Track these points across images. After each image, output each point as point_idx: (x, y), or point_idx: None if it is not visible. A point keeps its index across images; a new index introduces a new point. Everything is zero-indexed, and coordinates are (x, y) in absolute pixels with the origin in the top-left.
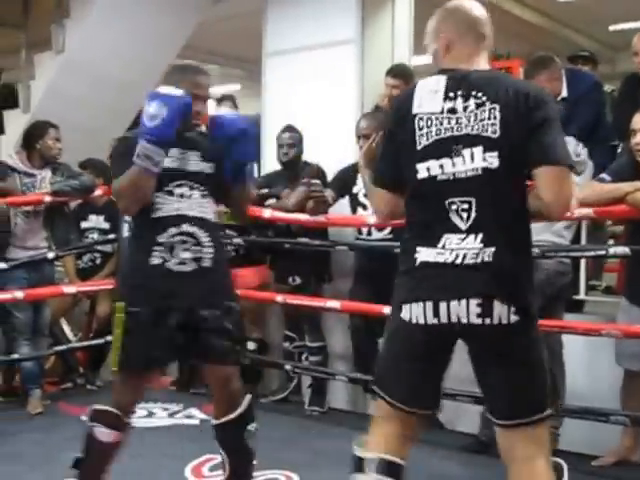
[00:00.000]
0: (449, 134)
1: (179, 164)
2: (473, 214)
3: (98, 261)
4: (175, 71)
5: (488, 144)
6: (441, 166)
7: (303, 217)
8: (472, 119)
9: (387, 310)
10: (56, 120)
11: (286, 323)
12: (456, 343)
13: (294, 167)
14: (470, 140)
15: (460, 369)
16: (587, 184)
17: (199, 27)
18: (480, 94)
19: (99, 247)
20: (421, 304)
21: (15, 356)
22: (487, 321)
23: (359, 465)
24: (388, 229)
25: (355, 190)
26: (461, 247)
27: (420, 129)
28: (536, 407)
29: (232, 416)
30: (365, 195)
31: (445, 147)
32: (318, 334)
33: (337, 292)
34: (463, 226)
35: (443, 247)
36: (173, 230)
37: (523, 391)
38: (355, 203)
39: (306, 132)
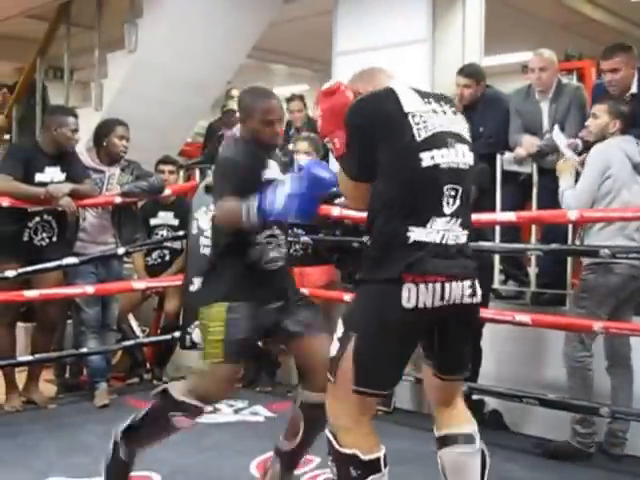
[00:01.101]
0: (442, 129)
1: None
2: (458, 201)
3: (167, 258)
4: (247, 97)
5: (468, 145)
6: (442, 155)
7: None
8: (452, 120)
9: None
10: (127, 118)
11: None
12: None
13: None
14: (458, 137)
15: (527, 372)
16: None
17: (269, 27)
18: (444, 103)
19: (168, 244)
20: (430, 285)
21: (83, 350)
22: (474, 300)
23: (373, 466)
24: None
25: None
26: (446, 229)
27: (417, 124)
28: (467, 367)
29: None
30: None
31: (442, 139)
32: None
33: None
34: (448, 210)
35: (431, 227)
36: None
37: (466, 354)
38: None
39: None
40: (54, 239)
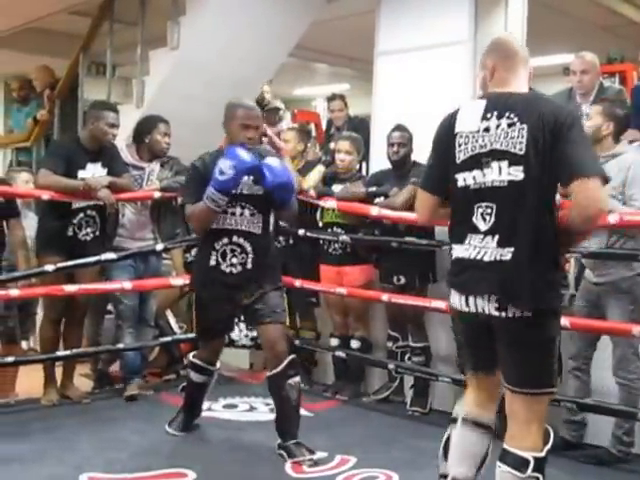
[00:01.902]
0: (482, 150)
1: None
2: (493, 218)
3: None
4: (229, 107)
5: (513, 159)
6: (474, 177)
7: (410, 216)
8: (502, 136)
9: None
10: (168, 115)
11: (390, 323)
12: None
13: (403, 166)
14: (498, 155)
15: (566, 375)
16: None
17: (311, 26)
18: (512, 115)
19: None
20: (457, 295)
21: (120, 346)
22: (503, 314)
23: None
24: None
25: None
26: (482, 245)
27: (459, 145)
28: (536, 383)
29: (275, 371)
30: None
31: (478, 160)
32: (422, 334)
33: (441, 293)
34: (483, 227)
35: (469, 244)
36: (225, 240)
37: (527, 369)
38: None
39: (415, 132)
40: (97, 234)
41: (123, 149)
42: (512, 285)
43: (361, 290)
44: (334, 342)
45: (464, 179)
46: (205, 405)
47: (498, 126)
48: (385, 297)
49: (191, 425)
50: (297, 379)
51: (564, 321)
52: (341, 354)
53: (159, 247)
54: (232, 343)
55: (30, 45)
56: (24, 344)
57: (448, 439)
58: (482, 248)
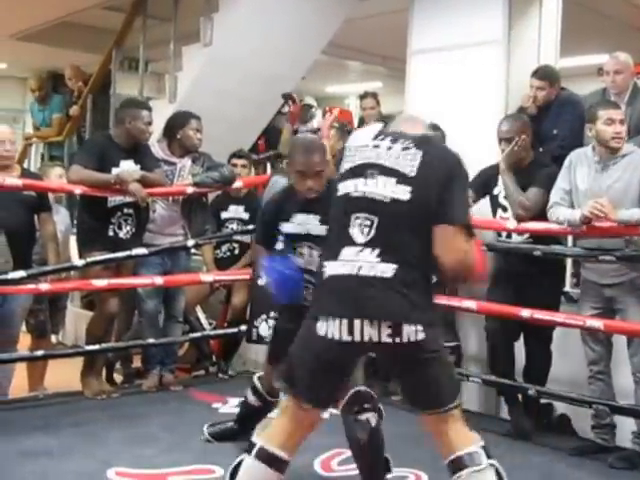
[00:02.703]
0: (369, 161)
1: (301, 229)
2: (373, 232)
3: (236, 251)
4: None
5: (402, 179)
6: (355, 185)
7: None
8: (393, 155)
9: (525, 313)
10: (200, 111)
11: None
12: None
13: None
14: (386, 171)
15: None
16: None
17: (344, 24)
18: (408, 142)
19: (238, 237)
20: (337, 321)
21: (150, 341)
22: (397, 340)
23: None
24: (527, 234)
25: (496, 191)
26: (359, 259)
27: (346, 157)
28: (442, 401)
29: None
30: (505, 197)
31: (362, 171)
32: (453, 334)
33: (473, 293)
34: (361, 239)
35: (343, 259)
36: None
37: (430, 391)
38: (495, 204)
39: (448, 131)
40: (134, 231)
41: (154, 144)
42: (401, 306)
43: None
44: None
45: (345, 187)
46: (234, 402)
47: (390, 148)
48: None
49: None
50: (367, 415)
51: (597, 322)
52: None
53: (190, 243)
54: (261, 340)
55: (63, 40)
56: (53, 338)
57: (238, 466)
58: (359, 262)
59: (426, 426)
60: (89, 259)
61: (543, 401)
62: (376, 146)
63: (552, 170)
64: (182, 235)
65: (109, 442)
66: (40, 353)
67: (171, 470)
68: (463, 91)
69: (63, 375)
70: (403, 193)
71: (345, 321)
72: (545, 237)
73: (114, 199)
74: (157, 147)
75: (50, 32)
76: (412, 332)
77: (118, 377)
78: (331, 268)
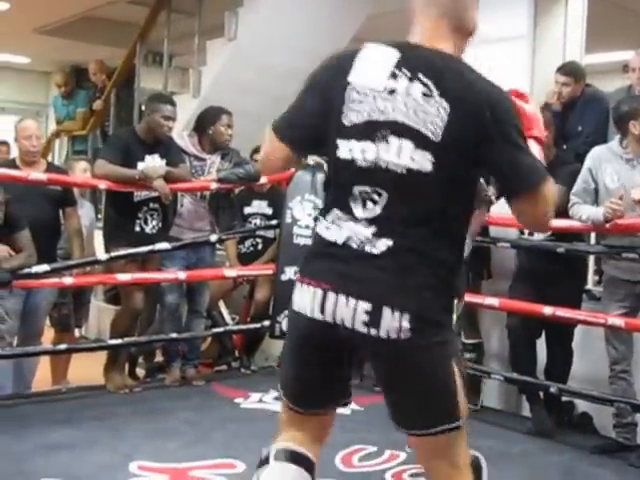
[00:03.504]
0: (381, 118)
1: None
2: (379, 210)
3: (260, 246)
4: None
5: (422, 143)
6: (363, 151)
7: None
8: (411, 106)
9: (547, 311)
10: (224, 106)
11: None
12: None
13: None
14: (402, 131)
15: None
16: None
17: (368, 19)
18: (430, 82)
19: (261, 232)
20: (310, 289)
21: (173, 335)
22: (373, 331)
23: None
24: (550, 231)
25: None
26: (350, 228)
27: (352, 102)
28: (437, 420)
29: None
30: None
31: (372, 130)
32: (475, 331)
33: (495, 290)
34: (360, 215)
35: (332, 222)
36: None
37: (420, 406)
38: None
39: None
40: (160, 226)
41: (184, 138)
42: (388, 288)
43: None
44: None
45: (350, 150)
46: (256, 397)
47: (408, 93)
48: None
49: None
50: None
51: (619, 320)
52: None
53: (213, 238)
54: (283, 335)
55: (87, 34)
56: (76, 332)
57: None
58: (349, 231)
59: (417, 454)
60: (113, 253)
61: (564, 399)
62: (392, 91)
63: (575, 168)
64: (209, 230)
65: (131, 436)
66: (63, 347)
67: (193, 464)
68: None
69: (86, 369)
70: (424, 162)
71: (319, 292)
72: (567, 235)
73: (139, 194)
74: (187, 142)
75: (74, 26)
76: (394, 325)
77: (141, 371)
78: (320, 227)
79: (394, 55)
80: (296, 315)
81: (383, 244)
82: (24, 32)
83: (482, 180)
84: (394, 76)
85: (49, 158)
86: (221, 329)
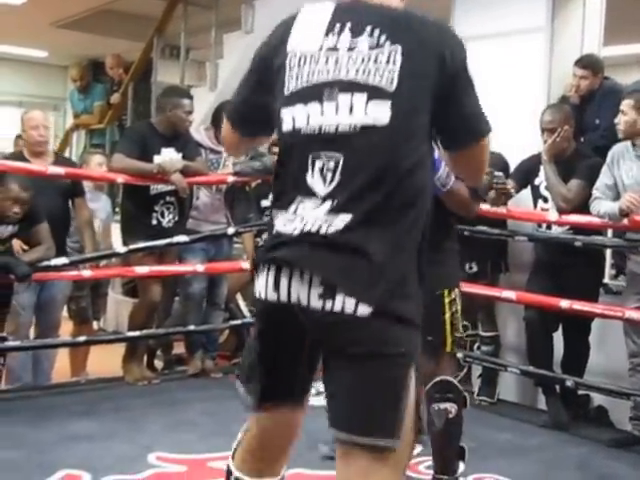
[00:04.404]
0: (323, 78)
1: None
2: (337, 177)
3: None
4: None
5: (376, 95)
6: (308, 116)
7: (484, 206)
8: (358, 59)
9: (564, 304)
10: None
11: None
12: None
13: None
14: (351, 86)
15: None
16: None
17: None
18: (377, 31)
19: None
20: (265, 270)
21: (191, 327)
22: (328, 305)
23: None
24: (568, 225)
25: (537, 182)
26: (316, 215)
27: (291, 69)
28: (374, 427)
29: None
30: (546, 188)
31: (316, 93)
32: (492, 324)
33: (512, 283)
34: (322, 190)
35: (295, 212)
36: None
37: (364, 402)
38: (536, 195)
39: (490, 120)
40: (177, 219)
41: (200, 131)
42: (345, 266)
43: None
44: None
45: (293, 118)
46: None
47: (352, 47)
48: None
49: None
50: (447, 405)
51: (636, 314)
52: None
53: (230, 231)
54: None
55: (104, 28)
56: (94, 324)
57: None
58: (313, 219)
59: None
60: (131, 246)
61: (580, 393)
62: (331, 48)
63: (594, 162)
64: (226, 223)
65: (150, 427)
66: (82, 339)
67: (211, 455)
68: (505, 80)
69: (104, 361)
70: (379, 114)
71: (272, 269)
72: (585, 229)
73: (156, 187)
74: (203, 135)
75: (91, 20)
76: (351, 304)
77: (159, 364)
78: (279, 222)
79: (330, 11)
80: (256, 301)
81: (341, 220)
82: (41, 26)
83: (499, 172)
84: (333, 33)
85: (67, 152)
86: (238, 321)
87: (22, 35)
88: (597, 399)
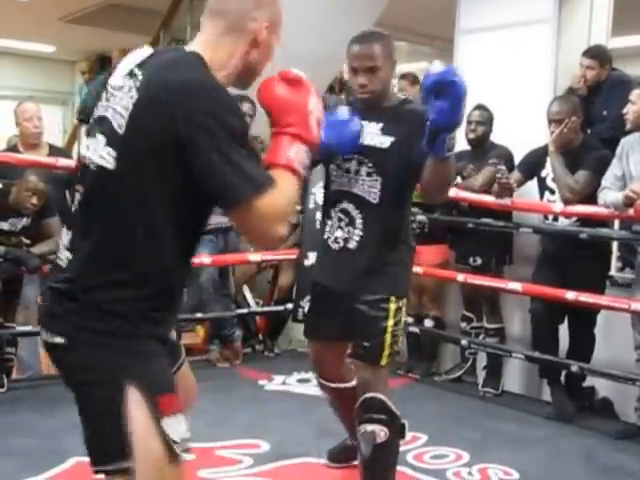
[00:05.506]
0: (99, 114)
1: None
2: (79, 212)
3: None
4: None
5: (111, 135)
6: (87, 146)
7: (488, 199)
8: (118, 97)
9: (570, 296)
10: (248, 93)
11: (464, 303)
12: None
13: (480, 146)
14: (103, 125)
15: None
16: None
17: (390, 3)
18: (138, 75)
19: None
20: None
21: (198, 315)
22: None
23: None
24: (575, 217)
25: (543, 174)
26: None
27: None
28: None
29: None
30: (553, 179)
31: (92, 128)
32: (496, 316)
33: (517, 275)
34: (65, 240)
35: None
36: (337, 206)
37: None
38: (543, 187)
39: (496, 112)
40: None
41: None
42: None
43: (437, 270)
44: (407, 320)
45: (87, 148)
46: (280, 379)
47: (122, 87)
48: (461, 277)
49: None
50: (375, 428)
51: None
52: (415, 329)
53: None
54: None
55: (111, 22)
56: None
57: None
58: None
59: None
60: None
61: (585, 385)
62: (120, 87)
63: (601, 153)
64: None
65: None
66: None
67: (218, 444)
68: (512, 71)
69: None
70: (108, 157)
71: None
72: (592, 221)
73: None
74: None
75: (98, 14)
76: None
77: None
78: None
79: (143, 55)
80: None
81: (72, 269)
82: (49, 21)
83: (502, 166)
84: (130, 74)
85: (75, 145)
86: (245, 310)
87: (30, 30)
88: (602, 391)
